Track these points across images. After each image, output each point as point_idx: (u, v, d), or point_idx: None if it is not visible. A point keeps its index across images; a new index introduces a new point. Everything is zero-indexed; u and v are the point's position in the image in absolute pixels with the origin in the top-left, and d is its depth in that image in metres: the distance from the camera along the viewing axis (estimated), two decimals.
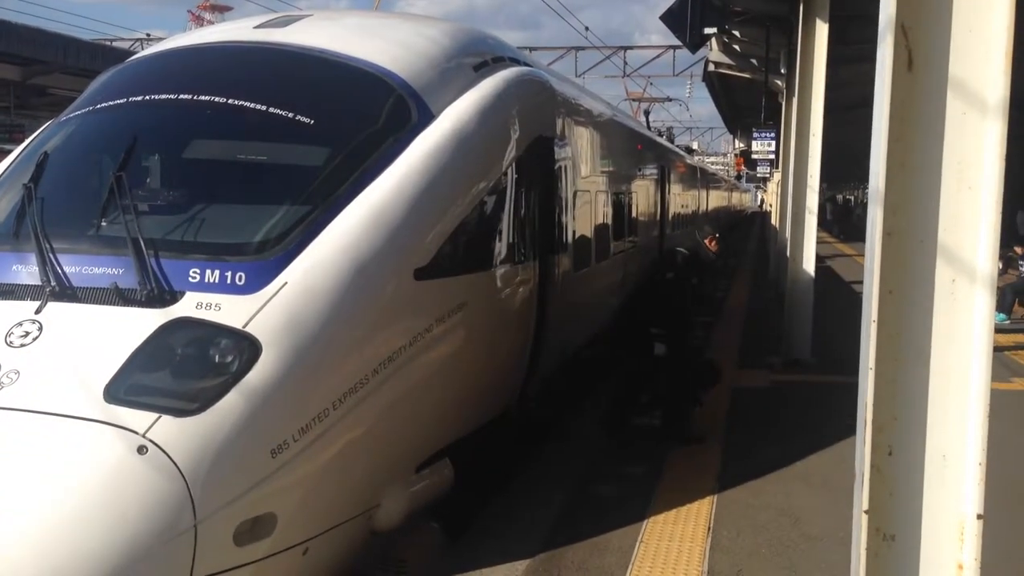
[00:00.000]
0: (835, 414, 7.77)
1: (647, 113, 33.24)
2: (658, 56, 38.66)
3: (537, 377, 7.07)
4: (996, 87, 2.73)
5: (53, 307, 4.29)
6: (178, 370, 4.17)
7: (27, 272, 4.50)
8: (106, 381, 3.98)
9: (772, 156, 19.78)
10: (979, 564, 2.85)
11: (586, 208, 9.00)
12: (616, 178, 11.10)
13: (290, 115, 5.29)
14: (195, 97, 5.41)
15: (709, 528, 5.56)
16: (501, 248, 6.21)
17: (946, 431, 2.81)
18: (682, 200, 20.59)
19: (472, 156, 5.71)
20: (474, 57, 6.55)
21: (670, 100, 44.13)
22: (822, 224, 19.16)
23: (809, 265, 11.33)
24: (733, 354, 11.37)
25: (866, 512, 2.85)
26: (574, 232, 8.26)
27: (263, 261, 4.55)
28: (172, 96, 5.50)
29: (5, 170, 5.58)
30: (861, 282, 3.01)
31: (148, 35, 37.87)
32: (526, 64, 7.58)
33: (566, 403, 8.53)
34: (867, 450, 2.83)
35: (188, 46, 6.48)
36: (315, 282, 4.52)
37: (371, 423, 4.63)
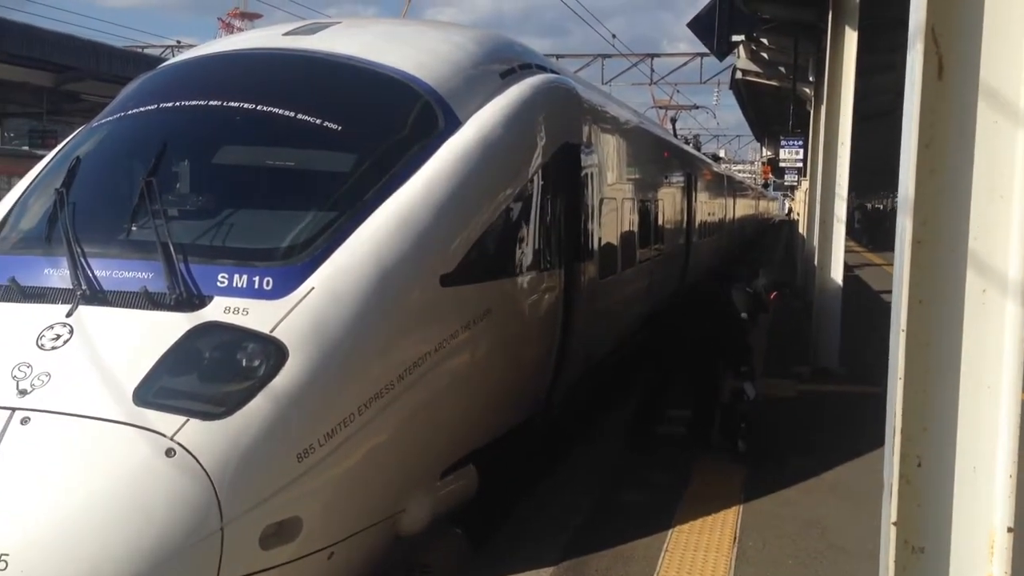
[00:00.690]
0: (863, 424, 7.70)
1: (674, 121, 33.20)
2: (685, 64, 38.54)
3: (562, 384, 7.05)
4: None
5: (84, 310, 4.33)
6: (206, 374, 4.20)
7: (58, 276, 4.55)
8: (135, 384, 4.02)
9: (800, 164, 19.67)
10: None
11: (612, 215, 8.99)
12: (642, 186, 11.07)
13: (318, 121, 5.33)
14: (225, 103, 5.46)
15: (735, 538, 5.52)
16: (527, 255, 6.21)
17: (976, 442, 2.78)
18: (709, 208, 20.50)
19: (499, 163, 5.72)
20: (501, 64, 6.57)
21: (697, 107, 44.11)
22: (850, 233, 18.92)
23: (837, 274, 11.24)
24: (759, 363, 11.27)
25: (895, 524, 2.82)
26: (600, 239, 8.24)
27: (290, 266, 4.57)
28: (202, 102, 5.55)
29: (37, 175, 5.65)
30: (890, 291, 2.98)
31: (179, 42, 38.27)
32: (553, 71, 7.59)
33: (591, 410, 8.51)
34: (896, 461, 2.80)
35: (218, 53, 6.54)
36: (341, 287, 4.55)
37: (396, 428, 4.64)
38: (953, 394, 2.77)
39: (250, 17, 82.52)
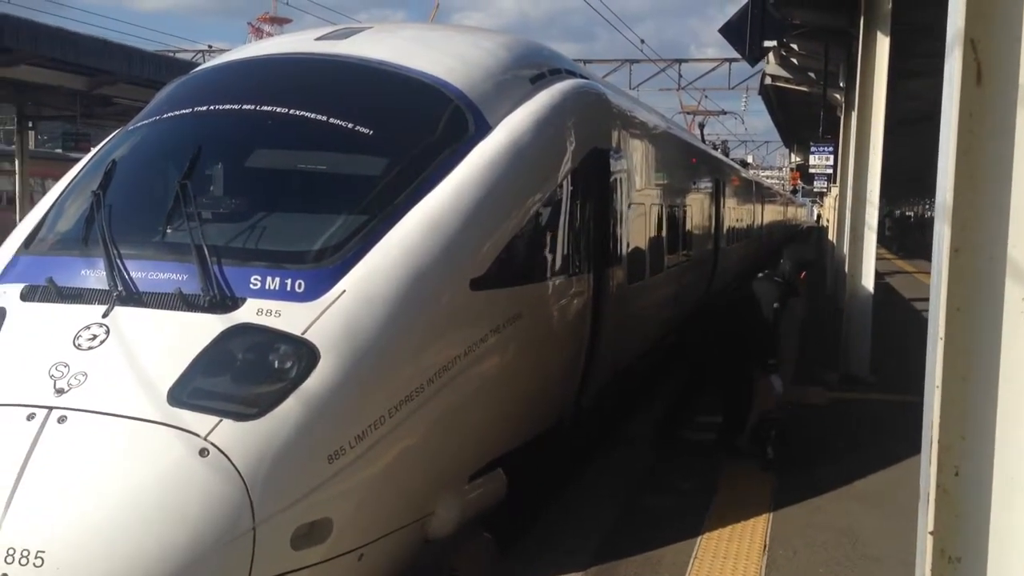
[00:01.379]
0: (895, 433, 7.64)
1: (702, 126, 33.07)
2: (714, 69, 38.35)
3: (590, 389, 7.05)
4: None
5: (120, 311, 4.38)
6: (239, 375, 4.23)
7: (95, 277, 4.61)
8: (169, 384, 4.06)
9: (830, 170, 19.53)
10: None
11: (640, 221, 8.97)
12: (670, 191, 11.04)
13: (350, 125, 5.36)
14: (257, 107, 5.51)
15: (765, 546, 5.49)
16: (556, 260, 6.21)
17: (1015, 452, 2.74)
18: (737, 214, 20.41)
19: (528, 167, 5.73)
20: (531, 69, 6.58)
21: (725, 113, 43.83)
22: (880, 240, 18.75)
23: (868, 281, 11.15)
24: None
25: (931, 533, 2.79)
26: (628, 245, 8.23)
27: (322, 269, 4.60)
28: (235, 106, 5.61)
29: (74, 178, 5.72)
30: (921, 299, 2.96)
31: (210, 47, 38.61)
32: (582, 76, 7.59)
33: (619, 415, 8.49)
34: (933, 470, 2.77)
35: (251, 58, 6.60)
36: (373, 290, 4.57)
37: (426, 431, 4.66)
38: (992, 403, 2.74)
39: (280, 22, 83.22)
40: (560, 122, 6.27)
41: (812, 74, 19.36)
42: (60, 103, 24.02)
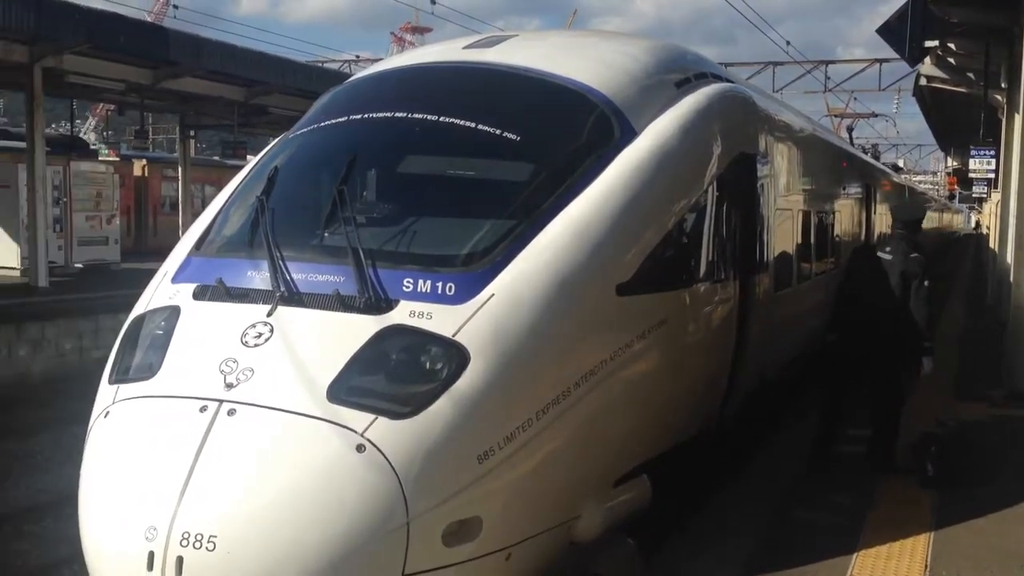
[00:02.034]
0: None
1: (850, 130, 31.93)
2: (863, 70, 36.98)
3: (736, 397, 6.92)
4: None
5: (282, 311, 4.57)
6: (393, 374, 4.36)
7: (260, 278, 4.82)
8: (329, 381, 4.21)
9: (991, 175, 18.51)
10: None
11: (788, 227, 8.76)
12: (819, 197, 10.73)
13: (497, 132, 5.44)
14: (409, 115, 5.66)
15: (926, 566, 5.23)
16: (702, 266, 6.14)
17: None
18: (888, 220, 19.61)
19: (674, 173, 5.68)
20: (676, 73, 6.52)
21: (875, 116, 42.19)
22: None
23: None
24: (948, 385, 10.69)
25: None
26: (775, 252, 8.04)
27: (471, 273, 4.68)
28: (388, 114, 5.78)
29: (239, 183, 6.00)
30: None
31: (357, 57, 39.98)
32: (728, 80, 7.47)
33: (765, 424, 8.29)
34: None
35: (402, 67, 6.79)
36: (520, 294, 4.62)
37: (572, 435, 4.67)
38: None
39: (421, 31, 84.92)
40: (706, 127, 6.19)
41: (971, 75, 18.40)
42: (218, 113, 25.36)
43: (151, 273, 5.43)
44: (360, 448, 4.00)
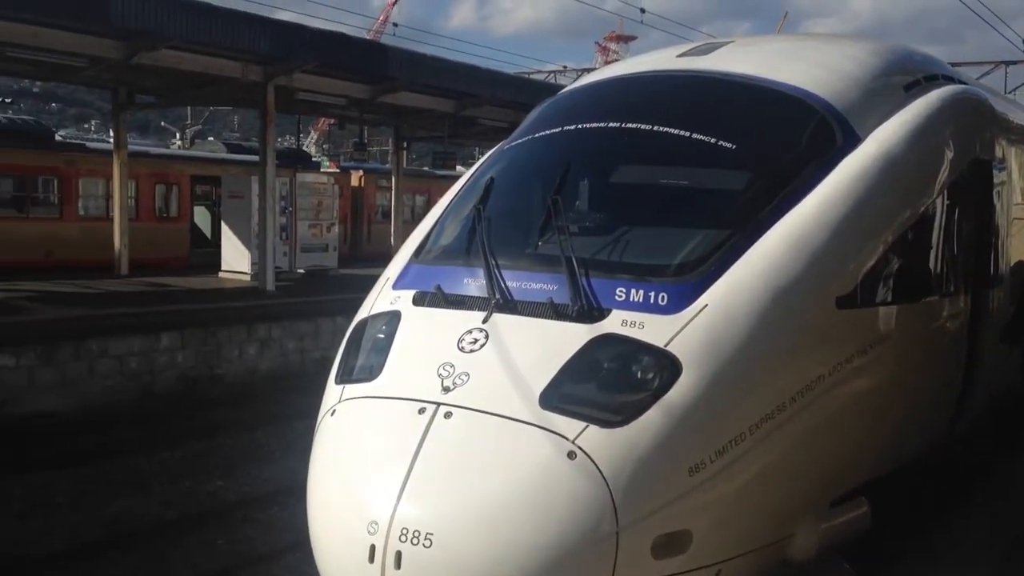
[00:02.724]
0: None
1: None
2: None
3: (965, 418, 6.48)
4: None
5: (497, 318, 4.70)
6: (604, 383, 4.38)
7: (476, 285, 4.97)
8: (541, 388, 4.29)
9: None
10: None
11: None
12: None
13: (712, 140, 5.37)
14: (623, 125, 5.68)
15: None
16: (930, 279, 5.80)
17: None
18: None
19: (901, 181, 5.41)
20: (903, 76, 6.21)
21: None
22: None
23: None
24: None
25: None
26: (1011, 264, 7.47)
27: (684, 283, 4.64)
28: (601, 124, 5.82)
29: (456, 193, 6.22)
30: None
31: (564, 67, 40.46)
32: (961, 81, 7.03)
33: (996, 447, 7.71)
34: None
35: (615, 77, 6.82)
36: (735, 305, 4.53)
37: (786, 451, 4.54)
38: None
39: (626, 39, 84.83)
40: (936, 132, 5.85)
41: None
42: (430, 125, 26.40)
43: (365, 279, 5.70)
44: (571, 455, 4.04)
